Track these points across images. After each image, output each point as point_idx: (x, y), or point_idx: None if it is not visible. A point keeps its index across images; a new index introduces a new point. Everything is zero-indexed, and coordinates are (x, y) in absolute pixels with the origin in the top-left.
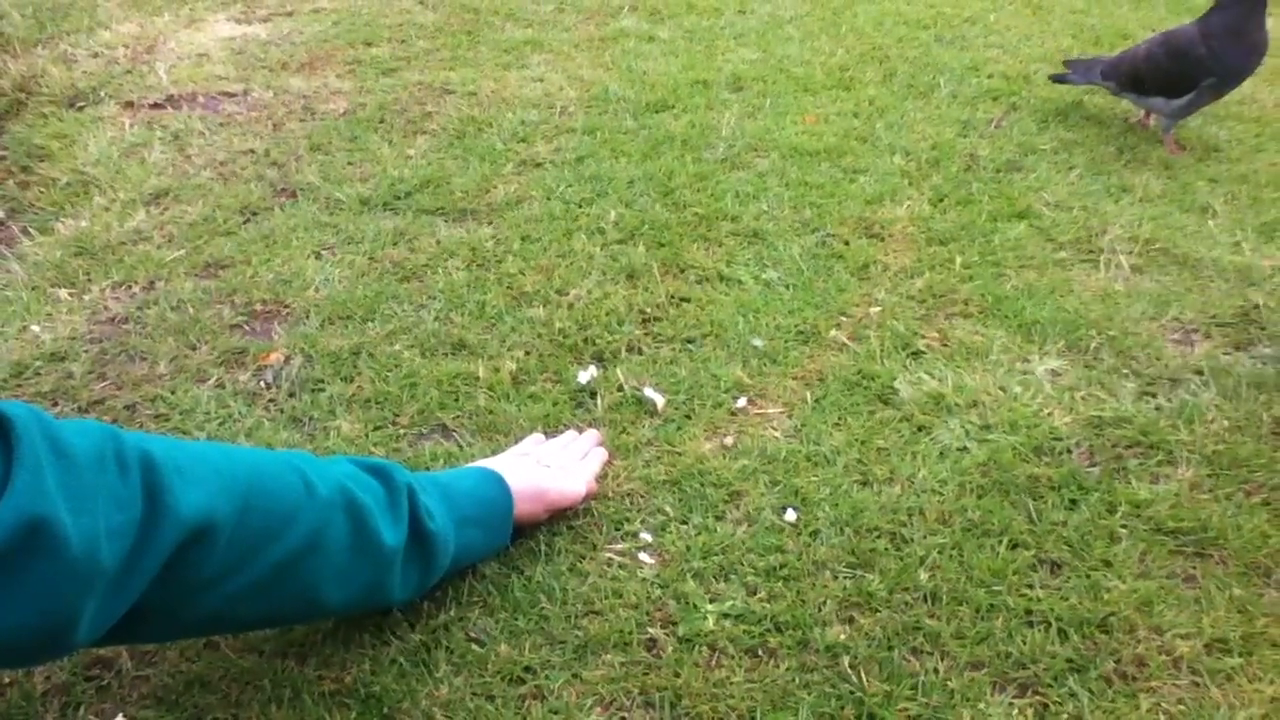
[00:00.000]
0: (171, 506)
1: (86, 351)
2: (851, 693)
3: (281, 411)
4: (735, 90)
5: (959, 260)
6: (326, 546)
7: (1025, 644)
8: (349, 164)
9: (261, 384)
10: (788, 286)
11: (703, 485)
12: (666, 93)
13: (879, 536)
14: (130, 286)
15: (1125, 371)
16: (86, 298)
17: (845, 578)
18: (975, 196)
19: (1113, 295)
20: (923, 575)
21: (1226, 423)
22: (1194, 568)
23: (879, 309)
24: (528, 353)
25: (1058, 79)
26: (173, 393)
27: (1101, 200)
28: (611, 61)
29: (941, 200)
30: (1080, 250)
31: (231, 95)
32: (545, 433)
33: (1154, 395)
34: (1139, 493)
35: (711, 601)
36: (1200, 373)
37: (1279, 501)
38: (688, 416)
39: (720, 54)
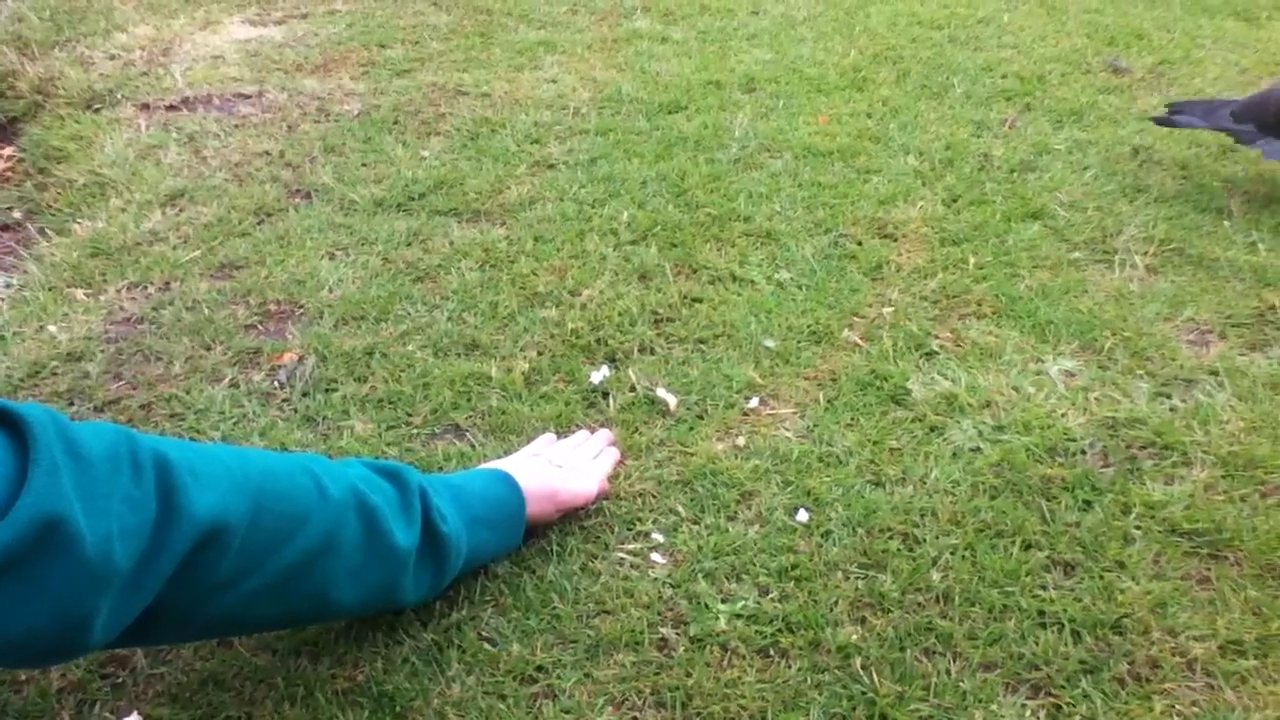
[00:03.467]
0: (185, 508)
1: (102, 351)
2: (863, 693)
3: (295, 411)
4: (748, 91)
5: (972, 261)
6: (339, 548)
7: (1038, 645)
8: (363, 165)
9: (275, 384)
10: (800, 287)
11: (715, 485)
12: (679, 94)
13: (891, 537)
14: (146, 287)
15: (1140, 372)
16: (103, 298)
17: (857, 578)
18: (989, 197)
19: (1127, 295)
20: (935, 576)
21: (1242, 424)
22: (1208, 569)
23: (892, 309)
24: (540, 353)
25: (1162, 122)
26: (187, 392)
27: (1116, 200)
28: (624, 63)
29: (955, 200)
30: (1095, 250)
31: (246, 97)
32: (557, 433)
33: (1169, 396)
34: (1153, 494)
35: (723, 602)
36: (1215, 373)
37: None
38: (700, 417)
39: (733, 55)
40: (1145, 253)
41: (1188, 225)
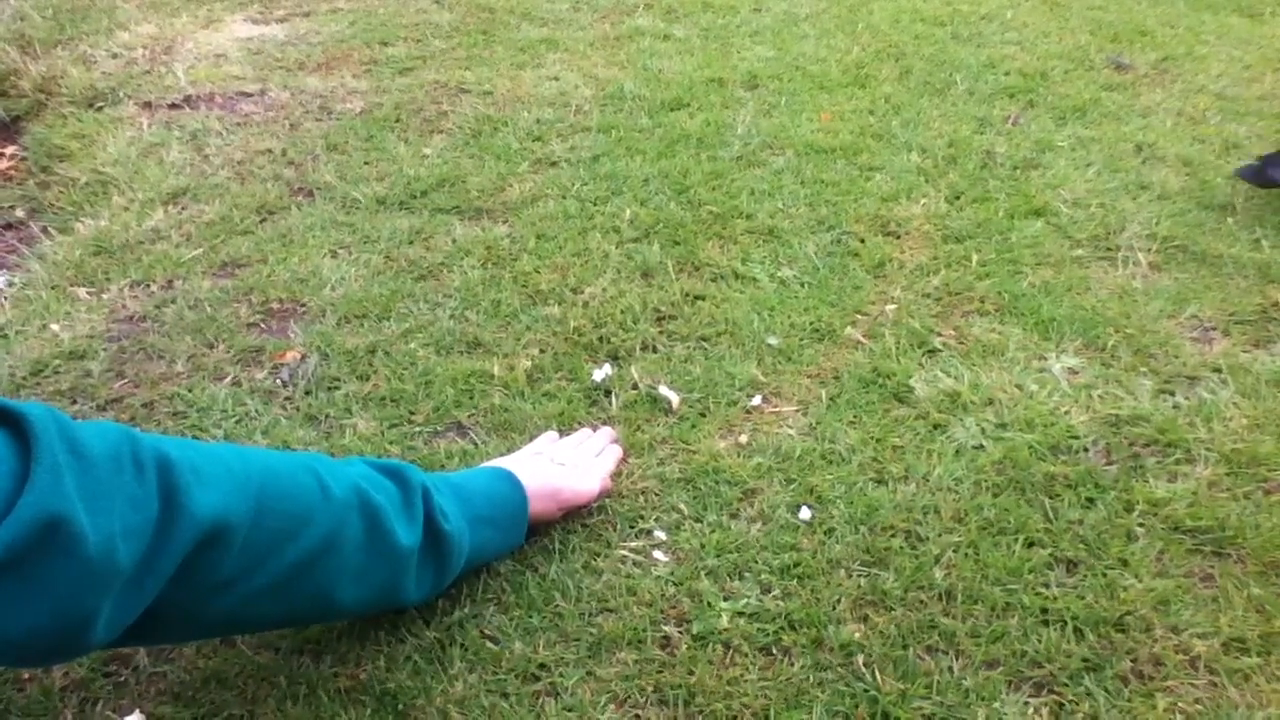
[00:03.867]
0: (187, 507)
1: (105, 350)
2: (866, 691)
3: (298, 410)
4: (751, 88)
5: (975, 258)
6: (342, 547)
7: (1041, 643)
8: (365, 163)
9: (278, 382)
10: (803, 284)
11: (717, 483)
12: (682, 91)
13: (894, 535)
14: (148, 285)
15: (1143, 369)
16: (105, 296)
17: (860, 576)
18: (992, 194)
19: (1130, 293)
20: (938, 574)
21: (1245, 421)
22: (1211, 567)
23: (895, 307)
24: (543, 351)
25: (1255, 178)
26: (190, 391)
27: (1119, 197)
28: (627, 60)
29: (958, 198)
30: (1098, 248)
31: (249, 95)
32: (560, 431)
33: (1172, 393)
34: (1156, 491)
35: (726, 599)
36: (1218, 370)
37: None
38: (702, 414)
39: (736, 52)
40: (1149, 250)
41: (1191, 222)
